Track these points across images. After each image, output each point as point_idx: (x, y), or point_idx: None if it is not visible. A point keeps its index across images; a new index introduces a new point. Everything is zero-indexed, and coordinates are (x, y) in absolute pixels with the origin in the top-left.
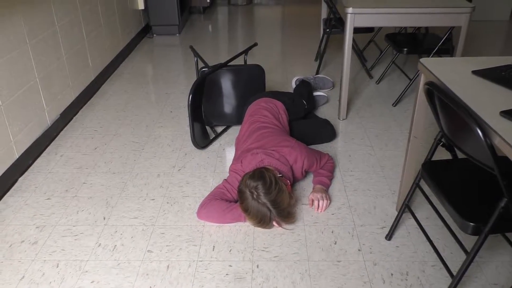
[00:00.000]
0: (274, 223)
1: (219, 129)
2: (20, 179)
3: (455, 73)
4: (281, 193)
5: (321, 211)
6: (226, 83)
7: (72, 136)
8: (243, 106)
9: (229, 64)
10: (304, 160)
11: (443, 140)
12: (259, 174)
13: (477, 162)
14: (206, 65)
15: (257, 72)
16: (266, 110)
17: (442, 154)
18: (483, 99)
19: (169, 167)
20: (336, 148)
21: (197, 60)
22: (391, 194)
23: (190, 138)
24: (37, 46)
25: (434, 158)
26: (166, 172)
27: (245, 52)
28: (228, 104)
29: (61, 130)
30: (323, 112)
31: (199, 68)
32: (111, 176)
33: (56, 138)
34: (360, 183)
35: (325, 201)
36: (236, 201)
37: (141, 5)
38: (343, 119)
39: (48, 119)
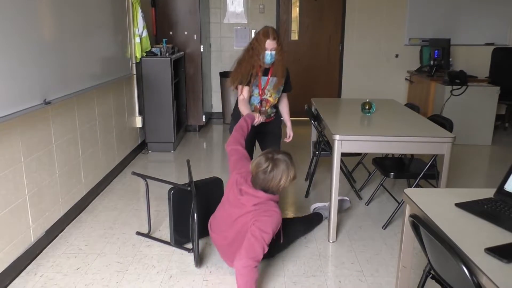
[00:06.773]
0: None
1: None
2: None
3: (439, 205)
4: None
5: None
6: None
7: (54, 255)
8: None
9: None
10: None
11: (432, 272)
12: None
13: None
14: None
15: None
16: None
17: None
18: (467, 234)
19: None
20: (327, 273)
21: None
22: None
23: (176, 258)
24: (31, 164)
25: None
26: None
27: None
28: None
29: (45, 247)
30: (313, 234)
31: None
32: None
33: (38, 257)
34: None
35: None
36: None
37: (139, 124)
38: (333, 242)
39: (32, 236)
